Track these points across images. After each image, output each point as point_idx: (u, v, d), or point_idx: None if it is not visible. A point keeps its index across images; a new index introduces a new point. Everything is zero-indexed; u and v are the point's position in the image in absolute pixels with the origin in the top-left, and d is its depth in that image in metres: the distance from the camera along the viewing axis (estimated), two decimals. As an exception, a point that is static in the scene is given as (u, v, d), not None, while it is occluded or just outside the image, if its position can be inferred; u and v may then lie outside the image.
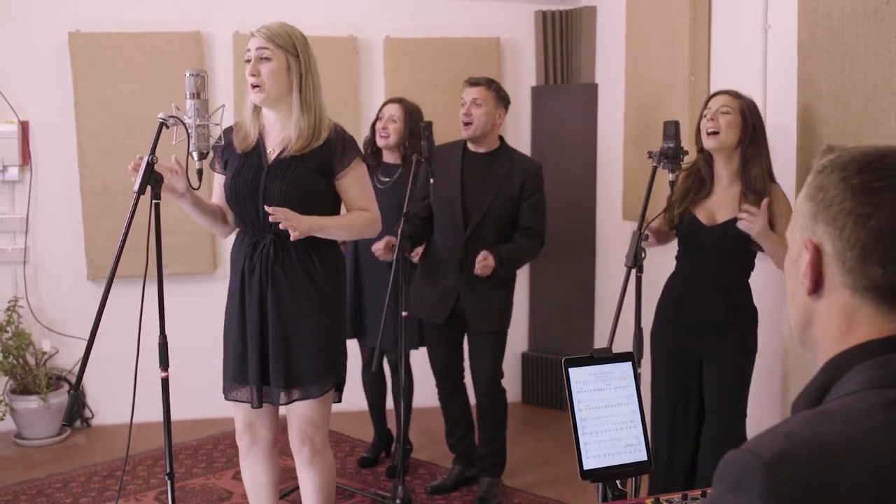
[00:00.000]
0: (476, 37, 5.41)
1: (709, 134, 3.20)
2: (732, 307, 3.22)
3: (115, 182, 4.99)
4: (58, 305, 5.10)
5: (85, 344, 4.94)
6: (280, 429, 3.17)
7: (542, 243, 3.99)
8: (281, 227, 2.75)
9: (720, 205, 3.25)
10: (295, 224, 2.75)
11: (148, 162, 2.55)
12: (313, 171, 2.90)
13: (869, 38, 2.89)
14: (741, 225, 3.04)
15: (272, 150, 2.95)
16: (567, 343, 5.40)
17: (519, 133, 5.50)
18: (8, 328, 4.85)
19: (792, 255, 1.20)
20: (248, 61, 2.88)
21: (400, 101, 4.25)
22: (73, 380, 5.10)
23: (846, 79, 3.02)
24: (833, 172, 1.13)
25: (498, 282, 3.92)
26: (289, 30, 2.93)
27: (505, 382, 4.12)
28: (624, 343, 2.91)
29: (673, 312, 3.34)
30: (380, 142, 4.19)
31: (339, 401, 3.10)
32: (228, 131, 3.04)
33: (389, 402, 4.59)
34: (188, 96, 2.69)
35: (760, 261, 3.30)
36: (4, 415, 4.82)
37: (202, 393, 4.72)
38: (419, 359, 4.37)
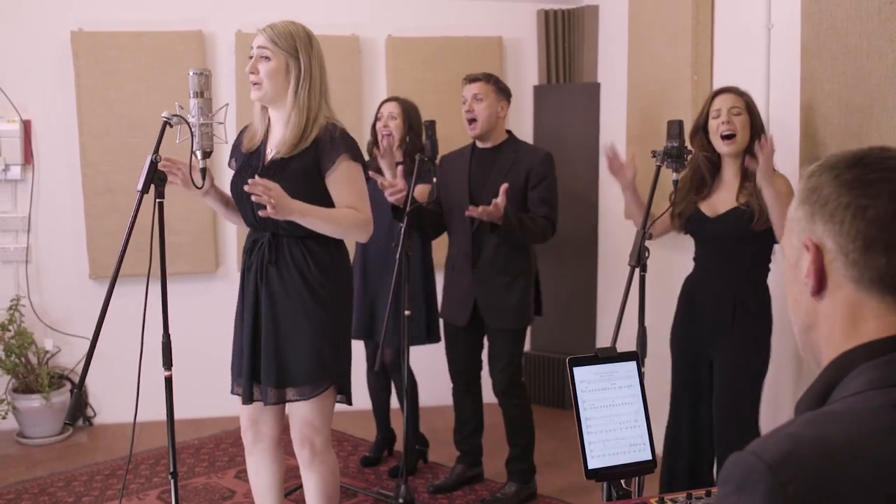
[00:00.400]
0: (478, 36, 5.41)
1: (724, 138, 3.19)
2: (742, 304, 3.18)
3: (117, 181, 4.99)
4: (60, 304, 5.10)
5: (87, 343, 4.96)
6: (285, 427, 3.16)
7: (553, 229, 3.89)
8: (253, 199, 2.69)
9: (723, 197, 3.26)
10: (275, 201, 2.68)
11: (151, 161, 2.55)
12: (301, 173, 2.86)
13: (872, 38, 2.89)
14: (748, 163, 3.05)
15: (269, 151, 2.95)
16: (569, 342, 5.40)
17: (521, 132, 5.47)
18: (10, 327, 4.85)
19: (791, 261, 1.20)
20: (251, 58, 2.89)
21: (396, 98, 4.29)
22: (76, 379, 5.10)
23: (849, 78, 3.02)
24: (824, 174, 1.14)
25: (512, 277, 3.89)
26: (293, 30, 2.90)
27: (520, 385, 4.06)
28: (627, 342, 2.90)
29: (686, 309, 3.33)
30: (383, 141, 4.19)
31: (350, 404, 3.07)
32: (243, 130, 3.06)
33: (394, 402, 4.58)
34: (192, 95, 2.68)
35: (776, 262, 3.29)
36: (7, 414, 4.83)
37: (204, 392, 4.73)
38: (425, 357, 4.36)
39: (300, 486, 3.35)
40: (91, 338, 2.47)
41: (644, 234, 3.00)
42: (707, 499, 1.80)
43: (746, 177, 3.20)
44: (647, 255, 3.02)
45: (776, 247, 3.23)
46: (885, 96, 2.84)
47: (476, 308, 3.96)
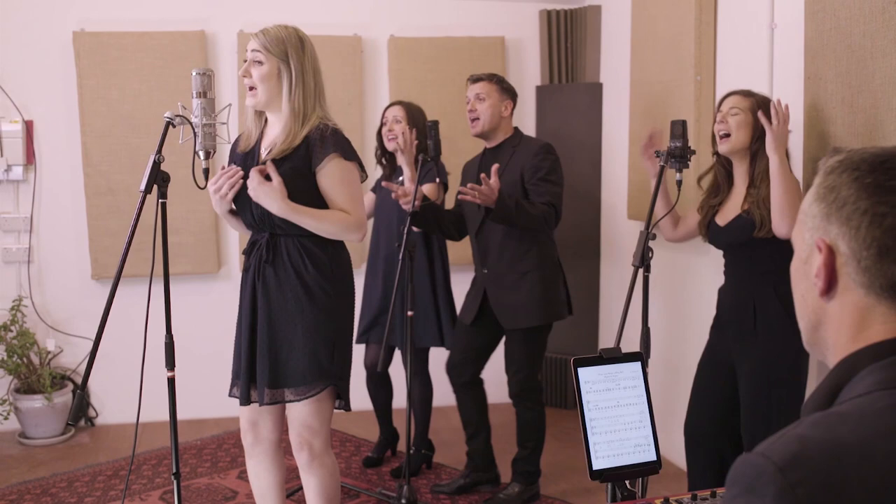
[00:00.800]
0: (480, 36, 5.41)
1: (721, 137, 3.18)
2: (762, 310, 3.10)
3: (119, 181, 4.99)
4: (62, 305, 5.10)
5: (89, 343, 4.95)
6: (284, 429, 3.16)
7: (556, 216, 3.78)
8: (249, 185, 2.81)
9: (732, 204, 3.24)
10: (260, 192, 2.79)
11: (154, 161, 2.55)
12: (292, 173, 2.86)
13: (876, 37, 2.89)
14: (761, 118, 2.99)
15: (264, 152, 2.95)
16: (572, 342, 5.40)
17: (524, 132, 5.48)
18: (12, 327, 4.85)
19: (801, 256, 1.19)
20: (245, 62, 2.90)
21: (400, 102, 4.28)
22: (77, 379, 5.10)
23: (853, 78, 3.01)
24: (844, 172, 1.12)
25: (521, 274, 3.84)
26: (284, 35, 2.88)
27: (533, 390, 3.99)
28: (631, 342, 2.90)
29: (716, 317, 3.30)
30: (389, 145, 4.21)
31: (348, 409, 3.05)
32: (238, 137, 3.08)
33: (395, 403, 4.57)
34: (194, 95, 2.68)
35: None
36: (9, 414, 4.83)
37: (206, 393, 4.73)
38: (434, 358, 4.36)
39: (301, 488, 3.35)
40: (94, 338, 2.47)
41: (648, 235, 2.98)
42: (712, 500, 1.80)
43: (753, 182, 3.16)
44: (650, 255, 3.01)
45: None
46: (889, 96, 2.83)
47: (484, 307, 3.94)
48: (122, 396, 4.91)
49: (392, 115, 4.20)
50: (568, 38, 5.44)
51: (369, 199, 4.36)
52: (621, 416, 1.88)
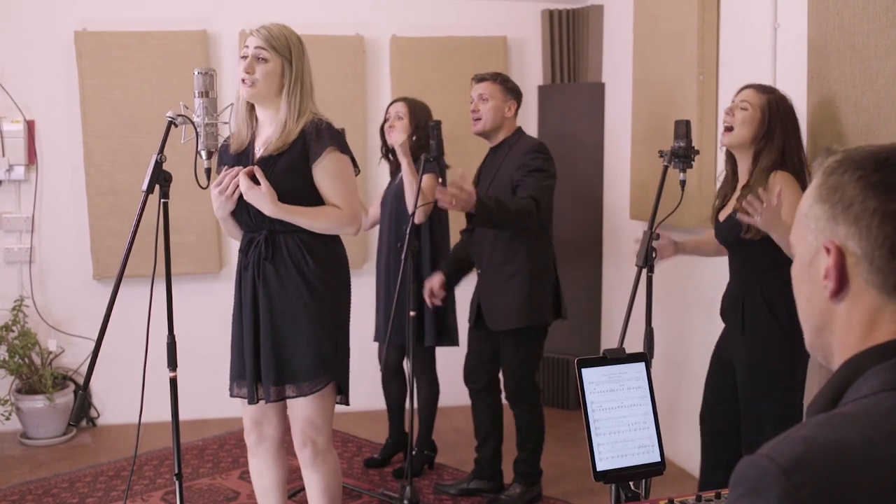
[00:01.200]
0: (483, 35, 5.40)
1: (725, 129, 3.15)
2: (749, 316, 3.06)
3: (121, 181, 4.99)
4: (63, 305, 5.10)
5: (91, 343, 4.94)
6: (287, 428, 3.15)
7: (535, 209, 3.62)
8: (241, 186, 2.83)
9: (732, 200, 3.21)
10: (250, 196, 2.82)
11: (156, 161, 2.54)
12: (289, 168, 2.89)
13: (880, 37, 2.88)
14: (741, 217, 2.87)
15: (259, 149, 2.95)
16: (574, 343, 5.39)
17: (526, 132, 5.47)
18: (14, 328, 4.85)
19: (804, 258, 1.17)
20: (245, 58, 2.89)
21: (404, 98, 4.26)
22: (79, 379, 5.10)
23: (857, 77, 3.00)
24: (847, 172, 1.11)
25: (508, 276, 3.80)
26: (286, 33, 2.93)
27: (529, 392, 3.96)
28: (633, 343, 2.89)
29: (721, 313, 3.29)
30: (389, 139, 4.20)
31: (347, 404, 3.07)
32: (228, 138, 3.07)
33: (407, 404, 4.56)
34: (197, 95, 2.68)
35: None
36: (10, 414, 4.82)
37: (207, 393, 4.72)
38: (444, 356, 4.35)
39: (303, 489, 3.34)
40: (96, 339, 2.46)
41: (651, 235, 2.97)
42: (717, 501, 1.79)
43: (748, 181, 3.10)
44: (654, 255, 2.99)
45: None
46: (893, 96, 2.82)
47: (481, 308, 3.93)
48: (124, 397, 4.90)
49: (395, 112, 4.19)
50: (570, 38, 5.44)
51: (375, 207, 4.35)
52: (625, 417, 1.87)
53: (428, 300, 4.00)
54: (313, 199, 2.93)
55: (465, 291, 4.20)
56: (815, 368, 3.21)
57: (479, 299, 3.93)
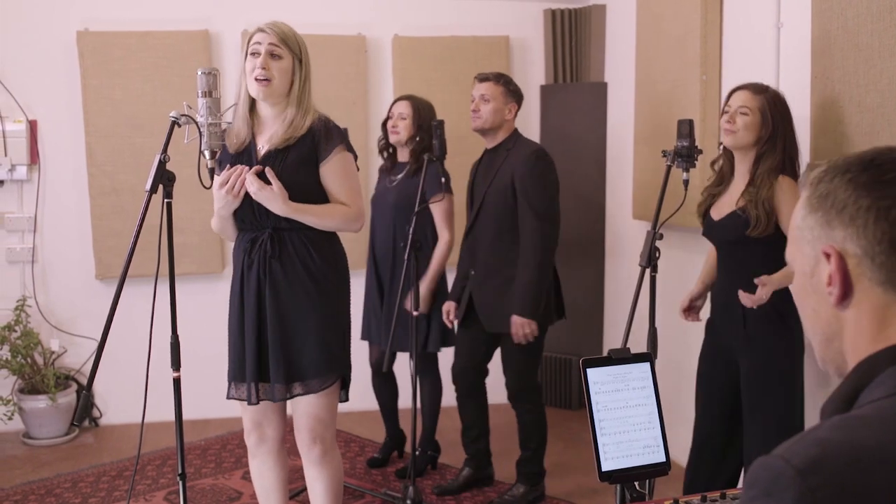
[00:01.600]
0: (485, 35, 5.40)
1: (727, 131, 3.15)
2: (752, 318, 3.06)
3: (123, 181, 4.99)
4: (66, 305, 5.10)
5: (93, 343, 4.94)
6: (288, 428, 3.15)
7: (549, 238, 3.75)
8: (248, 189, 2.82)
9: (727, 200, 3.19)
10: (261, 197, 2.82)
11: (160, 161, 2.54)
12: (297, 163, 2.90)
13: (884, 36, 2.87)
14: (744, 301, 2.95)
15: (261, 148, 2.95)
16: (576, 343, 5.38)
17: (528, 132, 5.44)
18: (16, 328, 4.85)
19: (805, 271, 1.17)
20: (255, 54, 2.88)
21: (409, 97, 4.25)
22: (81, 379, 5.10)
23: (860, 77, 3.00)
24: (835, 178, 1.11)
25: (506, 279, 3.80)
26: (294, 32, 2.96)
27: (530, 391, 3.99)
28: (636, 343, 2.88)
29: (711, 313, 3.29)
30: (391, 138, 4.20)
31: (346, 399, 3.07)
32: (224, 133, 3.05)
33: (401, 403, 4.56)
34: (200, 94, 2.68)
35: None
36: (13, 414, 4.82)
37: (210, 393, 4.70)
38: (448, 360, 4.35)
39: (305, 489, 3.34)
40: (99, 339, 2.46)
41: (655, 235, 2.97)
42: (722, 501, 1.79)
43: (751, 181, 3.11)
44: (657, 255, 2.99)
45: None
46: (897, 95, 2.82)
47: (471, 309, 3.93)
48: (126, 397, 4.90)
49: (397, 112, 4.18)
50: (572, 38, 5.43)
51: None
52: (630, 417, 1.87)
53: (447, 321, 4.08)
54: (318, 194, 2.94)
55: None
56: (810, 363, 3.21)
57: (471, 299, 3.92)
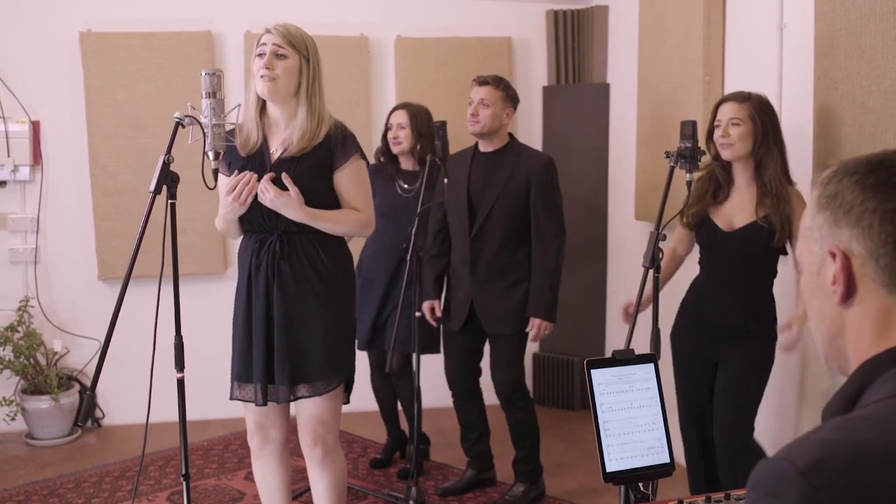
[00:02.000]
0: (487, 36, 5.40)
1: (724, 144, 3.19)
2: (753, 313, 3.18)
3: (126, 182, 5.00)
4: (69, 305, 5.10)
5: (95, 344, 4.95)
6: (291, 429, 3.15)
7: (563, 243, 3.91)
8: (260, 198, 2.83)
9: (738, 209, 3.22)
10: (279, 203, 2.82)
11: (164, 162, 2.54)
12: (313, 170, 2.91)
13: (887, 38, 2.87)
14: (784, 349, 3.11)
15: (275, 150, 2.95)
16: (579, 344, 5.38)
17: (530, 133, 5.48)
18: (19, 328, 4.85)
19: (812, 269, 1.18)
20: (261, 55, 2.88)
21: (405, 105, 4.29)
22: (84, 380, 5.10)
23: (864, 78, 3.00)
24: (844, 179, 1.12)
25: (512, 283, 3.88)
26: (302, 33, 2.96)
27: (523, 389, 4.03)
28: (639, 343, 2.89)
29: (693, 317, 3.32)
30: (394, 149, 4.22)
31: (348, 402, 3.08)
32: (231, 133, 3.04)
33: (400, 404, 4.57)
34: (204, 95, 2.68)
35: (782, 265, 3.27)
36: (16, 415, 4.82)
37: (212, 393, 4.70)
38: (432, 358, 4.36)
39: (308, 490, 3.35)
40: (103, 339, 2.46)
41: (658, 236, 2.98)
42: (727, 502, 1.79)
43: (763, 190, 3.15)
44: (660, 256, 3.00)
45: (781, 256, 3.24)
46: (900, 96, 2.82)
47: (471, 313, 3.95)
48: (129, 397, 4.90)
49: (396, 122, 4.21)
50: (575, 39, 5.43)
51: None
52: (634, 418, 1.87)
53: (431, 321, 4.10)
54: (329, 199, 2.96)
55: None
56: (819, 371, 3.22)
57: (471, 303, 3.94)
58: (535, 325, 3.84)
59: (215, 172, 2.76)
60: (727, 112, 3.18)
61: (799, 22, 3.44)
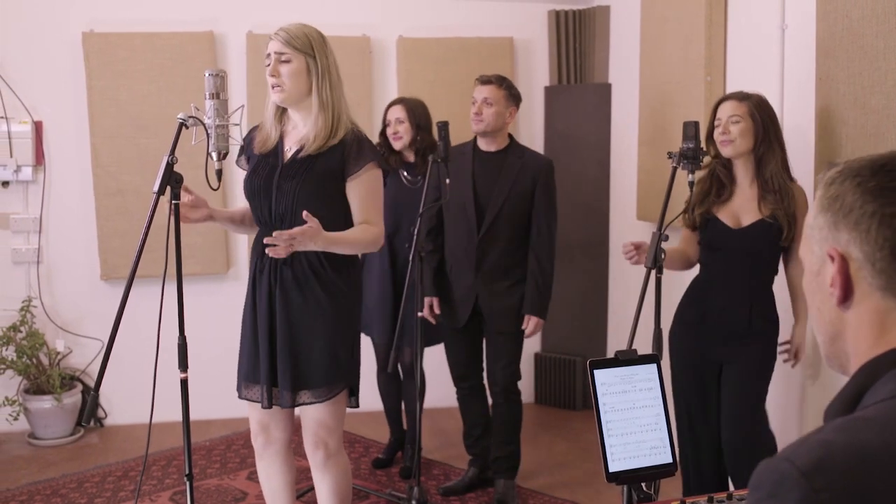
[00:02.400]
0: (489, 36, 5.40)
1: (724, 142, 3.20)
2: (757, 313, 3.20)
3: (128, 182, 5.00)
4: (71, 305, 5.11)
5: (98, 344, 4.95)
6: (295, 429, 3.16)
7: (554, 244, 4.00)
8: (269, 252, 2.69)
9: (743, 208, 3.24)
10: (301, 243, 2.71)
11: (168, 162, 2.55)
12: (326, 172, 2.89)
13: (889, 38, 2.88)
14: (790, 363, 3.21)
15: (289, 149, 2.95)
16: (580, 344, 5.39)
17: (532, 133, 5.49)
18: (22, 328, 4.86)
19: (813, 269, 1.18)
20: (269, 64, 2.89)
21: (400, 100, 4.31)
22: (87, 380, 5.11)
23: (865, 79, 3.00)
24: (846, 181, 1.13)
25: (515, 281, 3.94)
26: (306, 31, 2.93)
27: (518, 383, 4.10)
28: (640, 344, 2.89)
29: (695, 316, 3.32)
30: (396, 145, 4.23)
31: (357, 406, 3.08)
32: (253, 129, 3.06)
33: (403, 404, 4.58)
34: (207, 96, 2.68)
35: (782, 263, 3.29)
36: (18, 415, 4.83)
37: (214, 394, 4.72)
38: (433, 358, 4.36)
39: (312, 489, 3.35)
40: (107, 340, 2.47)
41: (660, 236, 2.98)
42: (729, 502, 1.79)
43: (766, 186, 3.17)
44: (663, 256, 3.01)
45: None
46: (902, 97, 2.83)
47: (475, 310, 3.98)
48: (131, 397, 4.90)
49: (395, 116, 4.22)
50: (577, 39, 5.44)
51: None
52: (637, 419, 1.88)
53: (431, 319, 4.12)
54: (341, 204, 2.93)
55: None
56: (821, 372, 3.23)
57: (475, 301, 3.96)
58: (531, 323, 3.91)
59: (219, 173, 2.76)
60: (727, 110, 3.20)
61: (800, 22, 3.45)
